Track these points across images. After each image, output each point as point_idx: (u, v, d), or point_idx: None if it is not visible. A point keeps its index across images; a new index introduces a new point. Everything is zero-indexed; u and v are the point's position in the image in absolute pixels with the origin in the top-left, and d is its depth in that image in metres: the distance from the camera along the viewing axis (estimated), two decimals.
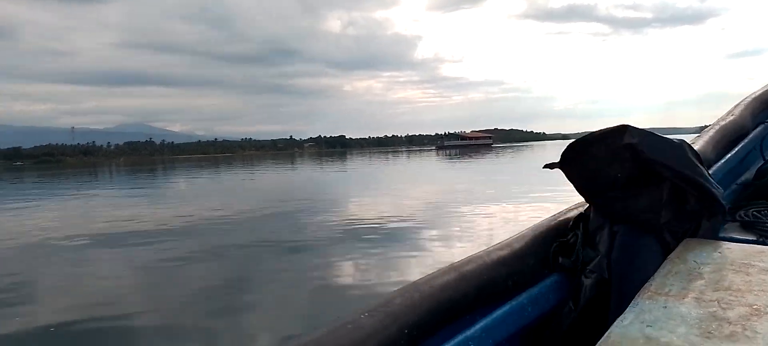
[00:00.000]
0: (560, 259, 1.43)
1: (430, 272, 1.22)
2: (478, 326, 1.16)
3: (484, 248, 1.37)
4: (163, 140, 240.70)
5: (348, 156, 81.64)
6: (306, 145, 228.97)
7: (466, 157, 50.61)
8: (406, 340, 1.03)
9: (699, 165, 1.38)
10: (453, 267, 1.25)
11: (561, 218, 1.55)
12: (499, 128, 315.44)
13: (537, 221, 1.57)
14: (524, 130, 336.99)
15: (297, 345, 0.90)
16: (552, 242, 1.46)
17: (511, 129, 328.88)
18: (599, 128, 1.44)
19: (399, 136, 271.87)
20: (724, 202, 1.36)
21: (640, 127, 1.38)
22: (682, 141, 1.42)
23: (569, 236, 1.47)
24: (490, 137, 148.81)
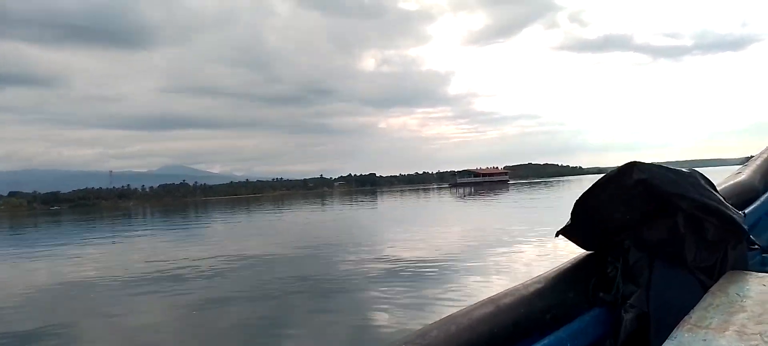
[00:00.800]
0: (600, 293, 1.41)
1: (466, 304, 1.22)
2: None
3: (522, 281, 1.36)
4: (196, 182, 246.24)
5: (378, 194, 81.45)
6: (336, 183, 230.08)
7: (479, 195, 48.47)
8: None
9: (714, 192, 1.38)
10: (490, 300, 1.25)
11: (599, 251, 1.51)
12: (533, 163, 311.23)
13: (574, 254, 1.53)
14: (560, 164, 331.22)
15: None
16: (591, 276, 1.44)
17: (546, 163, 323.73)
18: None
19: (429, 172, 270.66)
20: (745, 227, 1.36)
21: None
22: (694, 170, 1.42)
23: (609, 270, 1.45)
24: (506, 173, 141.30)
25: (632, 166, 1.34)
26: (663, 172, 1.35)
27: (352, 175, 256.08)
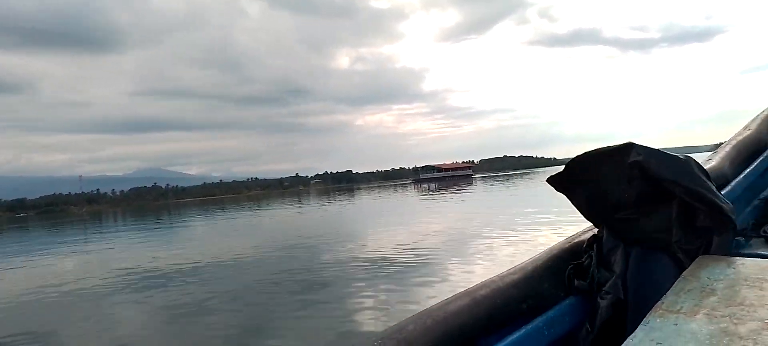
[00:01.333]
0: (576, 281, 1.43)
1: (443, 298, 1.22)
2: None
3: (498, 272, 1.38)
4: (167, 184, 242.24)
5: (355, 192, 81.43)
6: (312, 182, 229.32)
7: (442, 191, 46.50)
8: None
9: (707, 180, 1.38)
10: (466, 292, 1.26)
11: (575, 240, 1.56)
12: (508, 156, 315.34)
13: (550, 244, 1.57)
14: (535, 156, 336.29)
15: None
16: (567, 265, 1.46)
17: (521, 156, 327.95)
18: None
19: (406, 168, 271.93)
20: (733, 216, 1.36)
21: (651, 146, 1.38)
22: (689, 157, 1.42)
23: (584, 259, 1.48)
24: (469, 168, 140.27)
25: (630, 147, 1.37)
26: (659, 156, 1.37)
27: (328, 172, 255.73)
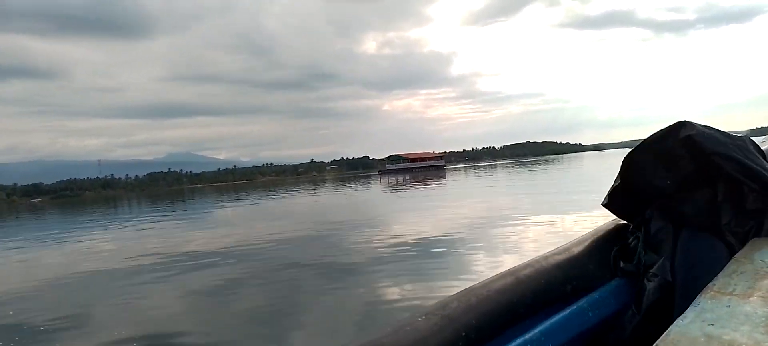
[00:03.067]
0: (622, 263, 1.46)
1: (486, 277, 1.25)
2: (536, 330, 1.19)
3: (542, 252, 1.42)
4: (182, 170, 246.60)
5: (371, 178, 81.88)
6: (328, 167, 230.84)
7: (408, 186, 42.65)
8: (464, 343, 1.06)
9: (762, 159, 1.39)
10: (510, 272, 1.28)
11: (620, 222, 1.59)
12: (531, 141, 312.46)
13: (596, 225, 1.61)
14: (559, 142, 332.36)
15: (359, 345, 0.94)
16: (612, 246, 1.50)
17: (545, 141, 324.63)
18: (647, 135, 1.49)
19: (430, 152, 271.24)
20: None
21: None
22: (745, 136, 1.44)
23: (630, 240, 1.50)
24: (441, 158, 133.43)
25: (683, 124, 1.39)
26: (711, 131, 1.38)
27: (344, 158, 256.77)
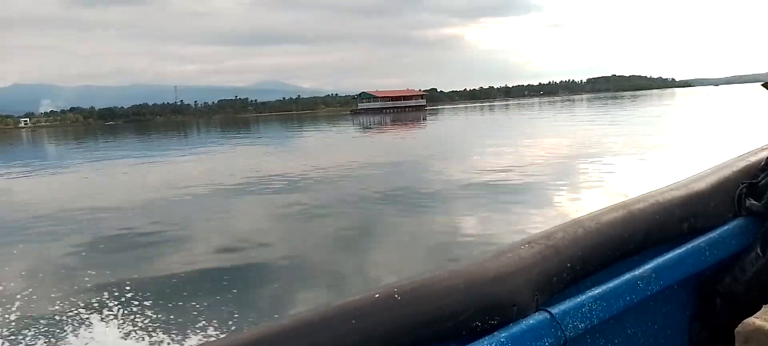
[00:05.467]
0: (748, 201, 1.41)
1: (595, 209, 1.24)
2: (648, 267, 1.18)
3: (658, 186, 1.38)
4: (247, 98, 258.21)
5: (430, 112, 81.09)
6: None
7: (380, 128, 40.04)
8: (569, 273, 1.08)
9: None
10: (622, 205, 1.27)
11: (752, 159, 1.53)
12: (617, 75, 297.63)
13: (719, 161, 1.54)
14: (649, 76, 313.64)
15: (462, 267, 0.99)
16: (737, 184, 1.44)
17: (632, 75, 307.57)
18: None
19: (495, 87, 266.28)
20: None
21: None
22: None
23: (759, 178, 1.44)
24: (422, 97, 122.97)
25: None
26: None
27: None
